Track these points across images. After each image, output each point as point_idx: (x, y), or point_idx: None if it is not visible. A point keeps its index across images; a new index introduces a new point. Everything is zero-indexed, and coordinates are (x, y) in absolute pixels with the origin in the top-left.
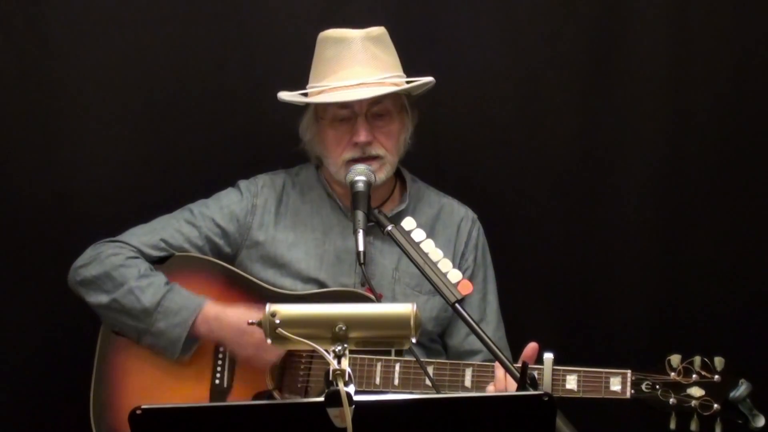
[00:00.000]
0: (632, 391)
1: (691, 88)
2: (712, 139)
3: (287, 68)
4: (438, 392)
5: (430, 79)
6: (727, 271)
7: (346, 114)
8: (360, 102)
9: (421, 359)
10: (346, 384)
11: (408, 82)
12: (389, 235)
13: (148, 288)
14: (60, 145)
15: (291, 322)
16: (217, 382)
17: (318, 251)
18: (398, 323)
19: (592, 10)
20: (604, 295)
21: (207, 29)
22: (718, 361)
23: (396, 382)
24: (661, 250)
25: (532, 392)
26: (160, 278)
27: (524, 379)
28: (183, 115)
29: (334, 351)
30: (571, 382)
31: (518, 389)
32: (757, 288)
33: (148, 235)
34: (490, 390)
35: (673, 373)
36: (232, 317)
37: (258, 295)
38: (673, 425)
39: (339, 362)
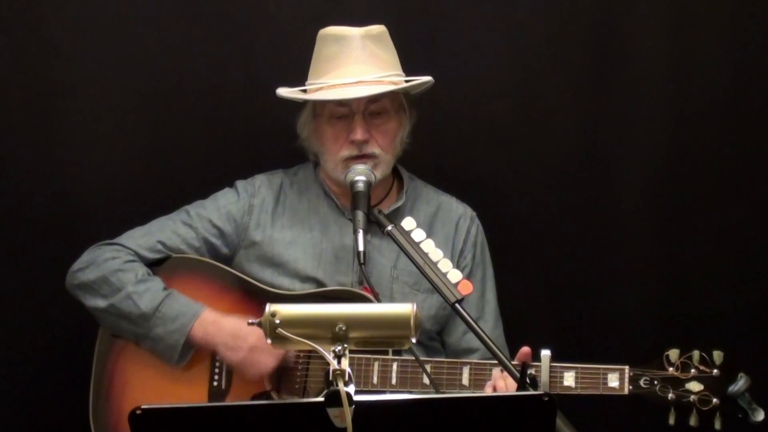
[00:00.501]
0: (630, 386)
1: (691, 88)
2: (712, 139)
3: (287, 68)
4: (436, 391)
5: (428, 78)
6: (726, 269)
7: (344, 111)
8: (357, 100)
9: (419, 358)
10: (346, 384)
11: (407, 82)
12: (389, 235)
13: (145, 293)
14: (60, 145)
15: (291, 322)
16: (215, 383)
17: (316, 250)
18: (398, 323)
19: (593, 11)
20: (603, 293)
21: (207, 29)
22: (717, 356)
23: (393, 381)
24: (660, 249)
25: (532, 392)
26: (157, 283)
27: (524, 378)
28: (182, 114)
29: (334, 351)
30: (569, 379)
31: (518, 389)
32: (755, 284)
33: (144, 237)
34: (489, 389)
35: (671, 369)
36: (228, 324)
37: (255, 295)
38: (672, 421)
39: (339, 362)
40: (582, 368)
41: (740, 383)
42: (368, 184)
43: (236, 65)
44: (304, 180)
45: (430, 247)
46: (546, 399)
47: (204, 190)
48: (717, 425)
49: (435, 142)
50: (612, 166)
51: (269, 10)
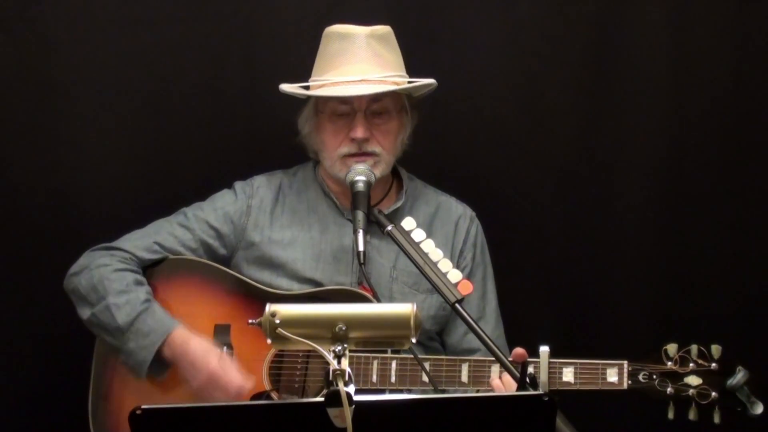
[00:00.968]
0: (629, 381)
1: (691, 88)
2: (712, 139)
3: (287, 68)
4: (435, 388)
5: (431, 81)
6: (723, 266)
7: (346, 109)
8: (360, 98)
9: (418, 356)
10: (346, 384)
11: (410, 83)
12: (389, 235)
13: (125, 306)
14: (60, 145)
15: (291, 322)
16: None
17: (314, 251)
18: (398, 323)
19: (592, 11)
20: (601, 290)
21: (207, 29)
22: (715, 349)
23: (393, 379)
24: (658, 247)
25: (532, 392)
26: (139, 294)
27: (524, 378)
28: (182, 115)
29: (333, 351)
30: (568, 375)
31: (518, 389)
32: (752, 280)
33: (141, 239)
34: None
35: (669, 363)
36: (194, 347)
37: (254, 296)
38: (671, 415)
39: (339, 362)
40: (581, 364)
41: (739, 377)
42: (368, 184)
43: (236, 66)
44: (303, 180)
45: (430, 247)
46: (546, 399)
47: (203, 191)
48: (716, 419)
49: (435, 142)
50: (612, 166)
51: (269, 12)
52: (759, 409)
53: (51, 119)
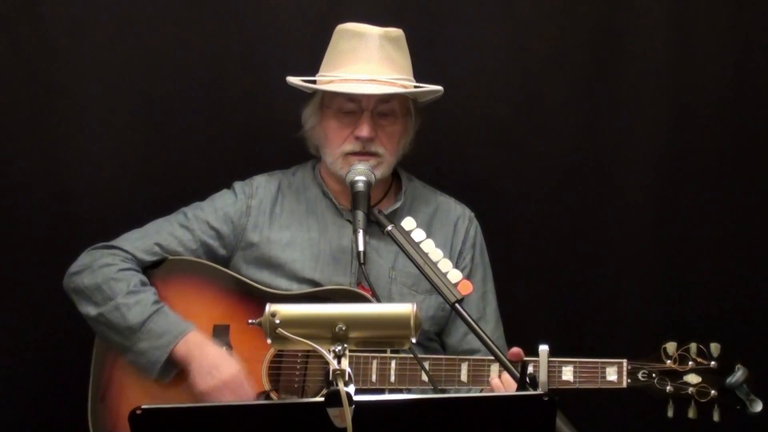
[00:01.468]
0: (629, 380)
1: (691, 88)
2: (712, 139)
3: (288, 68)
4: (435, 388)
5: (439, 87)
6: (722, 264)
7: (353, 107)
8: (369, 97)
9: (417, 355)
10: (346, 384)
11: (417, 87)
12: (389, 235)
13: (135, 306)
14: (60, 145)
15: (291, 322)
16: None
17: (313, 251)
18: (398, 323)
19: (593, 10)
20: (601, 290)
21: (207, 29)
22: (714, 348)
23: (392, 379)
24: (658, 246)
25: (532, 392)
26: (149, 295)
27: (524, 378)
28: (182, 114)
29: (333, 351)
30: (567, 374)
31: (518, 389)
32: (752, 279)
33: (142, 239)
34: (495, 384)
35: (669, 361)
36: (212, 351)
37: (253, 296)
38: (670, 413)
39: (339, 362)
40: (580, 362)
41: (738, 375)
42: (368, 185)
43: (236, 65)
44: (302, 181)
45: (429, 247)
46: (546, 399)
47: (203, 190)
48: (715, 417)
49: (435, 143)
50: (612, 166)
51: (270, 12)
52: (758, 407)
53: (51, 119)
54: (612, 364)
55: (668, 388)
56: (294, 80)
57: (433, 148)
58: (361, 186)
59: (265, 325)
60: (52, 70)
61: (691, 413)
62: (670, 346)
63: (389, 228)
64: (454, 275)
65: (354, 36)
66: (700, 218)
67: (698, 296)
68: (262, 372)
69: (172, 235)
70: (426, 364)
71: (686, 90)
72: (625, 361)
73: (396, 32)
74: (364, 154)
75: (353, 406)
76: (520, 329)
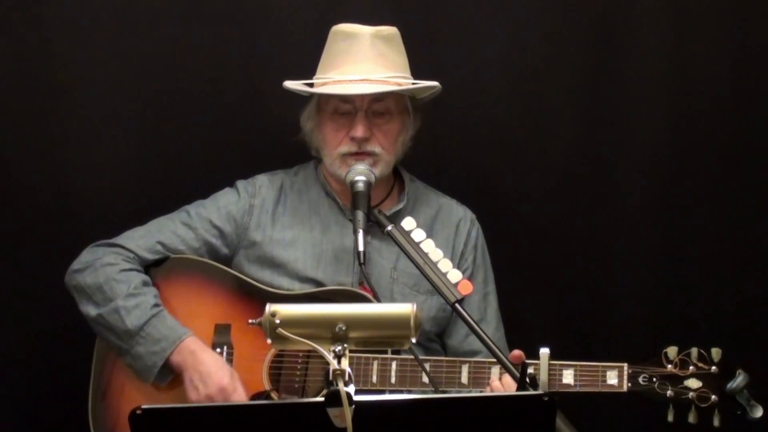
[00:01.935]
0: (629, 384)
1: (691, 88)
2: (712, 139)
3: (289, 68)
4: (435, 389)
5: (434, 83)
6: (724, 267)
7: (348, 108)
8: (361, 97)
9: (418, 357)
10: (346, 384)
11: (413, 84)
12: (389, 235)
13: (134, 309)
14: (60, 145)
15: (291, 322)
16: None
17: (315, 251)
18: (398, 323)
19: (592, 10)
20: (602, 292)
21: (207, 29)
22: (715, 352)
23: (393, 380)
24: (659, 248)
25: (532, 392)
26: (149, 298)
27: (524, 379)
28: (183, 114)
29: (333, 351)
30: (568, 377)
31: (518, 389)
32: (753, 282)
33: (144, 238)
34: (495, 386)
35: (669, 366)
36: (207, 358)
37: (254, 295)
38: (671, 418)
39: (339, 362)
40: (581, 366)
41: (739, 380)
42: (368, 184)
43: (237, 65)
44: (304, 180)
45: (430, 247)
46: (546, 399)
47: (204, 190)
48: (716, 422)
49: (435, 142)
50: (612, 166)
51: (270, 12)
52: (759, 412)
53: (51, 119)
54: (613, 367)
55: (669, 392)
56: (290, 85)
57: (433, 148)
58: (361, 186)
59: (265, 325)
60: (52, 70)
61: (692, 418)
62: (671, 351)
63: (389, 228)
64: (454, 275)
65: (346, 37)
66: (701, 218)
67: (699, 299)
68: (263, 372)
69: (175, 233)
70: (427, 366)
71: (686, 90)
72: (625, 364)
73: (389, 30)
74: (360, 154)
75: (353, 406)
76: (521, 331)
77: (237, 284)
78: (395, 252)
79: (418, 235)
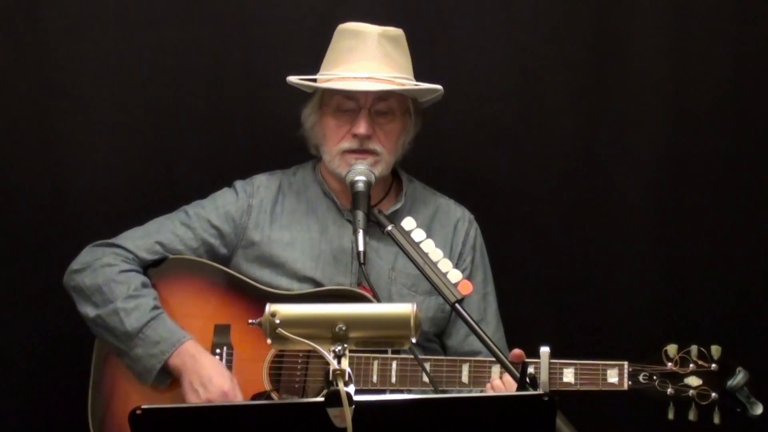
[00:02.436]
0: (630, 382)
1: (691, 88)
2: (711, 139)
3: (288, 68)
4: (436, 389)
5: (438, 86)
6: (723, 266)
7: (351, 105)
8: (365, 95)
9: (418, 356)
10: (346, 384)
11: (416, 86)
12: (389, 235)
13: (133, 311)
14: (60, 145)
15: (291, 322)
16: None
17: (314, 251)
18: (398, 323)
19: (592, 10)
20: (602, 291)
21: (207, 29)
22: (715, 350)
23: (393, 379)
24: (658, 247)
25: (532, 392)
26: (148, 300)
27: (524, 378)
28: (182, 114)
29: (334, 351)
30: (568, 375)
31: (518, 389)
32: (753, 280)
33: (143, 238)
34: (495, 385)
35: (670, 364)
36: (207, 363)
37: (253, 295)
38: (671, 415)
39: (339, 362)
40: (581, 364)
41: (739, 377)
42: (368, 184)
43: (236, 65)
44: (302, 180)
45: (429, 247)
46: (546, 399)
47: (204, 190)
48: (716, 419)
49: (435, 143)
50: (612, 166)
51: (270, 11)
52: (759, 409)
53: (51, 119)
54: (613, 366)
55: (669, 390)
56: (293, 79)
57: (433, 148)
58: (361, 186)
59: (265, 325)
60: (52, 70)
61: (692, 416)
62: (671, 349)
63: (389, 228)
64: (454, 275)
65: (353, 35)
66: (701, 218)
67: (699, 297)
68: (263, 372)
69: (174, 233)
70: (427, 366)
71: (686, 90)
72: (626, 363)
73: (395, 31)
74: (361, 151)
75: (353, 406)
76: (521, 331)
77: (236, 284)
78: (393, 252)
79: (418, 235)
